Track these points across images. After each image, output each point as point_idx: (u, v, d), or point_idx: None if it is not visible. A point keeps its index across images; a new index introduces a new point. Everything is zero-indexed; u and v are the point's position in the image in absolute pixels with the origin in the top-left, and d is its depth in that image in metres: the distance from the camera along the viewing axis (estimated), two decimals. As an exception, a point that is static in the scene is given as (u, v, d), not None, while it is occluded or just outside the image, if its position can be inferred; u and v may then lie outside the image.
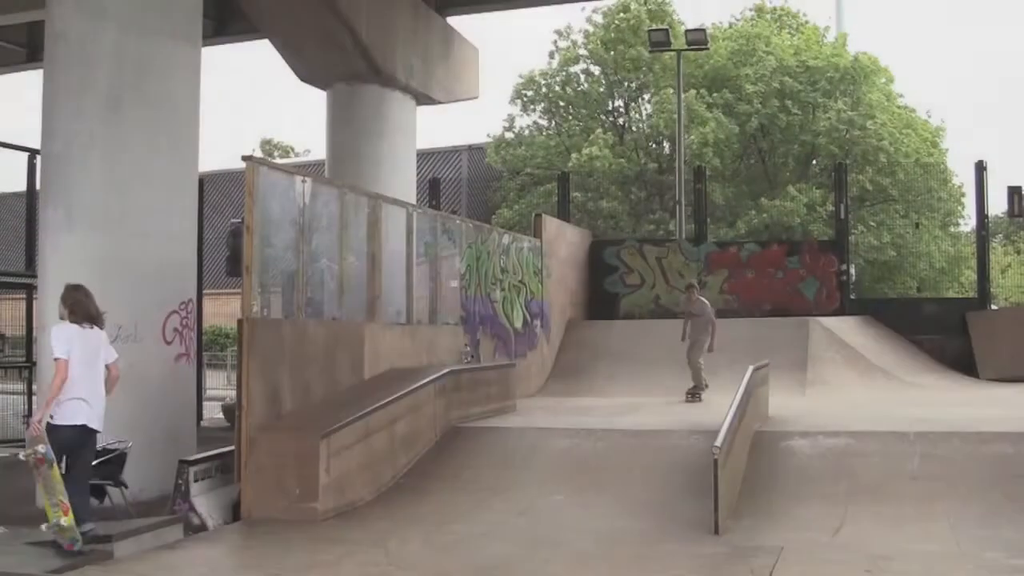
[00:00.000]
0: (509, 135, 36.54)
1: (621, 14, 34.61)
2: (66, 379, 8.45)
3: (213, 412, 21.44)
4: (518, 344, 18.88)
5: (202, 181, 17.10)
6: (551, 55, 36.62)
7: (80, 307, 8.78)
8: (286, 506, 9.75)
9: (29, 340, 17.78)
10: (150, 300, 12.56)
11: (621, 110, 36.34)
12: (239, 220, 11.77)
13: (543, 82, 36.13)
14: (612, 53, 34.58)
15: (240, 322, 10.25)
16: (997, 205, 27.56)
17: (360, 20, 20.48)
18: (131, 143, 12.53)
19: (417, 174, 24.81)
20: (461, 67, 24.97)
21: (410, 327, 14.34)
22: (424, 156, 35.90)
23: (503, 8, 25.96)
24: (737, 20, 37.58)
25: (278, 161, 53.80)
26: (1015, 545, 8.38)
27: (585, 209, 32.11)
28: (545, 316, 20.46)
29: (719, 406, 12.45)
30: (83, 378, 8.58)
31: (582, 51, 35.88)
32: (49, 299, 12.32)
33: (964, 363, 21.41)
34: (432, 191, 24.82)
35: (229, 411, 18.28)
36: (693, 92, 32.94)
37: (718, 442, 9.27)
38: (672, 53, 29.49)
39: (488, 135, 37.34)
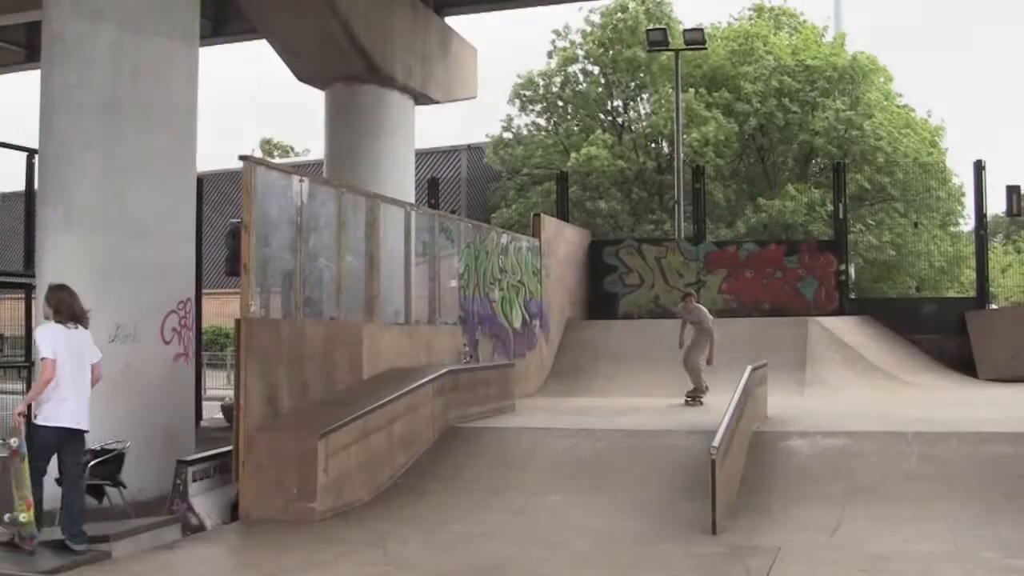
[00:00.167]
0: (507, 135, 36.52)
1: (619, 14, 34.59)
2: (52, 379, 8.44)
3: (213, 412, 21.45)
4: (517, 344, 18.88)
5: (201, 181, 17.11)
6: (549, 55, 36.61)
7: (65, 306, 8.77)
8: (284, 506, 9.76)
9: (28, 340, 17.77)
10: (148, 300, 12.56)
11: (620, 109, 36.32)
12: (238, 220, 11.78)
13: (541, 83, 36.11)
14: (611, 53, 34.57)
15: (238, 322, 10.26)
16: (997, 205, 27.57)
17: (358, 20, 20.48)
18: (129, 143, 12.53)
19: (416, 174, 24.81)
20: (459, 67, 24.96)
21: (408, 327, 14.34)
22: (423, 156, 35.90)
23: (501, 8, 25.95)
24: (735, 20, 37.55)
25: (278, 161, 53.83)
26: (1013, 545, 8.39)
27: (584, 208, 32.09)
28: (544, 316, 20.46)
29: (717, 406, 12.46)
30: (69, 378, 8.57)
31: (580, 51, 35.84)
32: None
33: (963, 363, 21.40)
34: (431, 191, 24.81)
35: (228, 411, 18.28)
36: (692, 91, 32.92)
37: (715, 442, 9.28)
38: (669, 54, 29.49)
39: (487, 135, 37.35)
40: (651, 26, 30.79)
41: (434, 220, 15.92)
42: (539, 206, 29.88)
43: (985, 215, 23.57)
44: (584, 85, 35.84)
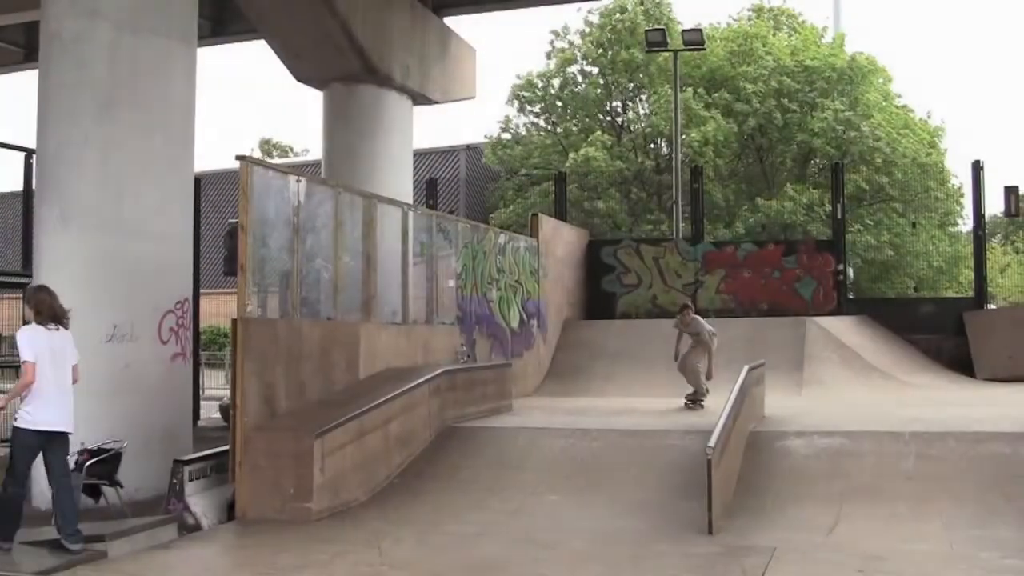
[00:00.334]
0: (506, 136, 36.53)
1: (617, 15, 34.60)
2: (31, 383, 8.42)
3: (211, 412, 21.46)
4: (514, 344, 18.89)
5: (199, 180, 17.11)
6: (548, 55, 36.62)
7: (45, 307, 8.77)
8: (280, 506, 9.76)
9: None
10: (146, 300, 12.55)
11: (619, 110, 36.34)
12: (236, 220, 11.78)
13: (540, 84, 36.12)
14: (609, 54, 34.58)
15: (235, 322, 10.26)
16: (996, 205, 27.57)
17: (356, 20, 20.47)
18: (126, 143, 12.51)
19: (415, 174, 24.79)
20: (458, 67, 24.95)
21: (406, 327, 14.34)
22: (422, 156, 35.90)
23: (500, 8, 25.91)
24: (734, 20, 37.58)
25: (277, 161, 53.83)
26: (1009, 545, 8.39)
27: (582, 208, 32.11)
28: (542, 316, 20.47)
29: (714, 406, 12.46)
30: (51, 380, 8.56)
31: (578, 53, 35.84)
32: (44, 299, 12.32)
33: (961, 363, 21.44)
34: (429, 191, 24.82)
35: (226, 411, 18.26)
36: (690, 91, 32.94)
37: (711, 442, 9.28)
38: (667, 55, 29.50)
39: (485, 136, 37.36)
40: (650, 27, 30.78)
41: (432, 220, 15.92)
42: (537, 206, 29.91)
43: (983, 215, 23.61)
44: (583, 86, 35.85)
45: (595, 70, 35.68)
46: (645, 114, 35.60)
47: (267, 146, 65.28)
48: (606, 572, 8.01)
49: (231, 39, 24.99)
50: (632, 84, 35.33)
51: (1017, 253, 44.31)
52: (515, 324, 18.96)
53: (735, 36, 35.40)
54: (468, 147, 39.68)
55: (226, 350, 32.51)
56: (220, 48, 25.69)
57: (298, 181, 11.47)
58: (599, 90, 35.58)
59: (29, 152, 17.47)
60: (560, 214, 24.44)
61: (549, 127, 36.39)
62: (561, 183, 25.64)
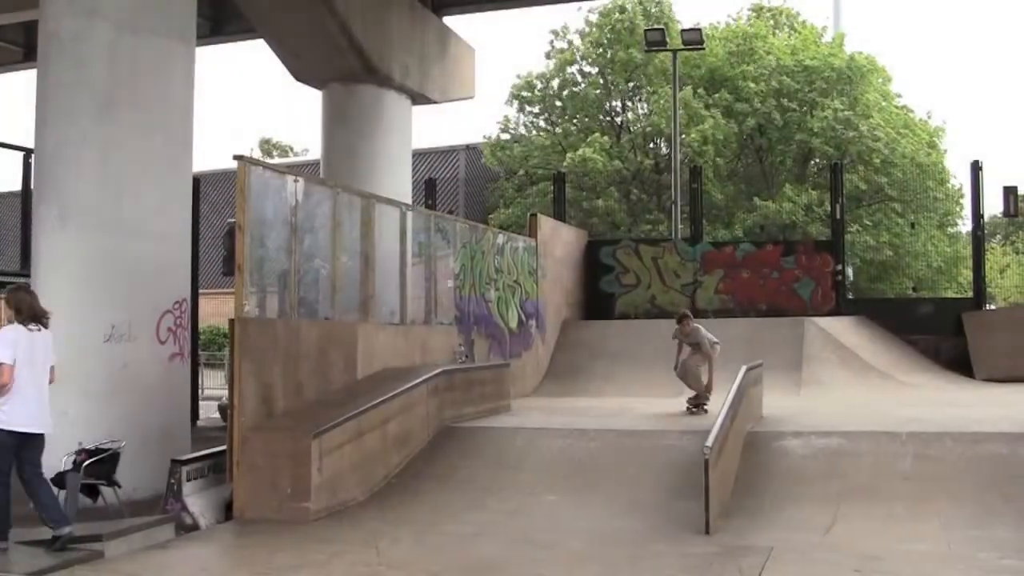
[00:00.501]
0: (505, 136, 36.55)
1: (617, 15, 34.60)
2: (7, 384, 8.40)
3: (210, 412, 21.46)
4: (513, 344, 18.89)
5: (198, 180, 17.12)
6: (547, 55, 36.63)
7: (25, 306, 8.73)
8: (278, 506, 9.76)
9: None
10: (144, 300, 12.54)
11: (618, 109, 36.35)
12: (235, 220, 11.78)
13: (539, 85, 36.12)
14: (608, 54, 34.58)
15: (232, 322, 10.26)
16: (996, 205, 27.59)
17: (355, 20, 20.48)
18: (124, 142, 12.50)
19: (415, 174, 24.79)
20: (457, 67, 24.95)
21: (404, 327, 14.34)
22: (422, 156, 35.89)
23: (499, 8, 25.93)
24: (733, 20, 37.59)
25: (277, 161, 53.84)
26: (1007, 545, 8.40)
27: (581, 208, 32.12)
28: (540, 316, 20.47)
29: (713, 407, 12.45)
30: (28, 381, 8.53)
31: (577, 54, 35.84)
32: (41, 298, 12.28)
33: (959, 363, 21.44)
34: (428, 191, 24.83)
35: (225, 410, 18.26)
36: (690, 90, 32.94)
37: (709, 442, 9.28)
38: (666, 55, 29.50)
39: (483, 136, 37.36)
40: (649, 26, 30.78)
41: (430, 220, 15.92)
42: (536, 206, 29.89)
43: (982, 216, 23.61)
44: (583, 86, 35.84)
45: (594, 70, 35.67)
46: (644, 114, 35.60)
47: (267, 146, 65.31)
48: (603, 572, 8.01)
49: (230, 39, 25.01)
50: (631, 84, 35.33)
51: (1017, 253, 44.33)
52: (513, 324, 18.97)
53: (734, 36, 35.41)
54: (467, 147, 39.69)
55: (225, 350, 32.50)
56: (221, 48, 25.72)
57: (296, 181, 11.46)
58: (598, 90, 35.57)
59: (28, 152, 17.48)
60: (559, 214, 24.45)
61: (548, 127, 36.39)
62: (560, 183, 25.64)
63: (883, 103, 34.47)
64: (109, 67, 12.50)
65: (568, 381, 19.95)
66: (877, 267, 33.16)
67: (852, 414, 13.99)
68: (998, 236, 46.69)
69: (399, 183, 22.22)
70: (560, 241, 22.23)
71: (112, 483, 10.92)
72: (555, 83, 36.17)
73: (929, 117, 36.04)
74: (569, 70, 36.06)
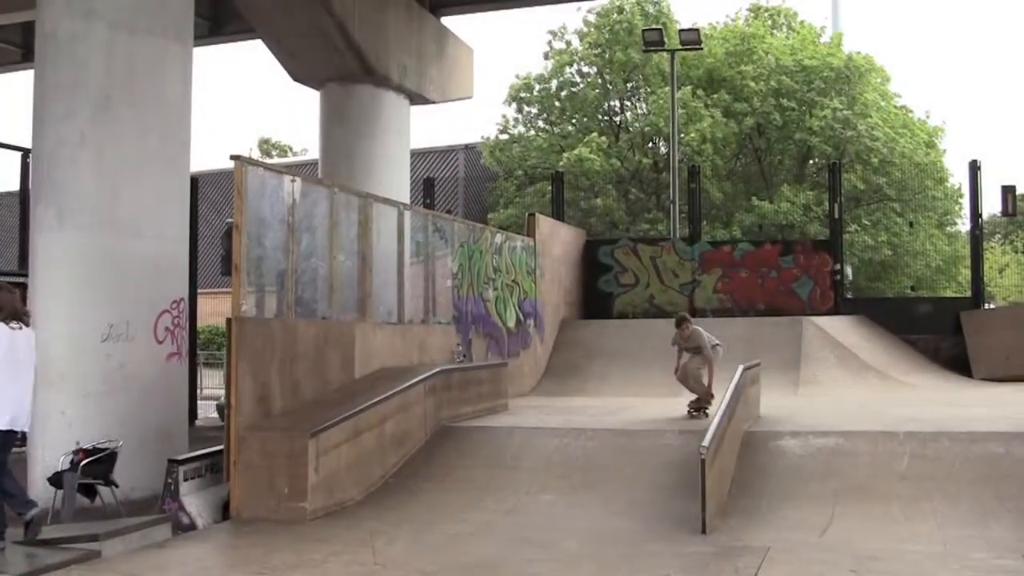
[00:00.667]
0: (504, 136, 36.56)
1: (615, 15, 34.60)
2: None
3: (209, 411, 21.49)
4: (511, 343, 18.89)
5: (197, 180, 17.13)
6: (546, 56, 36.63)
7: (7, 304, 8.74)
8: (275, 505, 9.78)
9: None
10: (141, 299, 12.57)
11: (617, 109, 36.35)
12: (233, 220, 11.80)
13: (537, 86, 36.12)
14: (607, 55, 34.58)
15: (229, 321, 10.27)
16: (995, 205, 27.60)
17: (353, 20, 20.50)
18: (122, 142, 12.53)
19: (414, 173, 24.82)
20: (455, 67, 24.98)
21: (401, 326, 14.35)
22: (421, 155, 35.91)
23: (497, 8, 25.98)
24: (731, 20, 37.59)
25: (276, 160, 53.85)
26: (1003, 545, 8.41)
27: (579, 208, 32.12)
28: (538, 315, 20.47)
29: (712, 408, 12.44)
30: (7, 378, 8.53)
31: (576, 56, 35.83)
32: (39, 298, 12.36)
33: (958, 363, 21.44)
34: (426, 191, 24.84)
35: (223, 410, 18.27)
36: (689, 89, 32.94)
37: (705, 442, 9.29)
38: (665, 56, 29.51)
39: (482, 137, 37.37)
40: (647, 27, 30.77)
41: (427, 220, 15.92)
42: (534, 206, 29.89)
43: (980, 215, 23.58)
44: (582, 85, 35.83)
45: (593, 70, 35.67)
46: (643, 113, 35.60)
47: (266, 145, 65.28)
48: (600, 572, 8.00)
49: (228, 39, 25.05)
50: (629, 84, 35.34)
51: (1016, 253, 44.28)
52: (511, 324, 18.97)
53: (733, 36, 35.40)
54: (466, 147, 39.70)
55: (224, 350, 32.46)
56: (221, 48, 25.74)
57: (293, 181, 11.47)
58: (596, 91, 35.57)
59: (26, 152, 17.49)
60: (557, 214, 24.45)
61: (547, 127, 36.37)
62: (558, 182, 25.65)
63: (882, 103, 34.45)
64: (106, 67, 12.54)
65: (566, 380, 19.95)
66: (876, 267, 33.14)
67: (850, 413, 13.99)
68: (998, 235, 46.65)
69: (397, 183, 22.26)
70: (558, 240, 22.24)
71: (109, 483, 10.95)
72: (553, 83, 36.16)
73: (928, 117, 36.06)
74: (568, 70, 36.05)
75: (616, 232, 31.70)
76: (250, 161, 11.00)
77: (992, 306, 29.84)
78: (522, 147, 35.60)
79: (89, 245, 12.33)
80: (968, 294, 23.92)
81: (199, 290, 21.18)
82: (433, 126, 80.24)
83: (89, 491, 10.95)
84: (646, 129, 34.67)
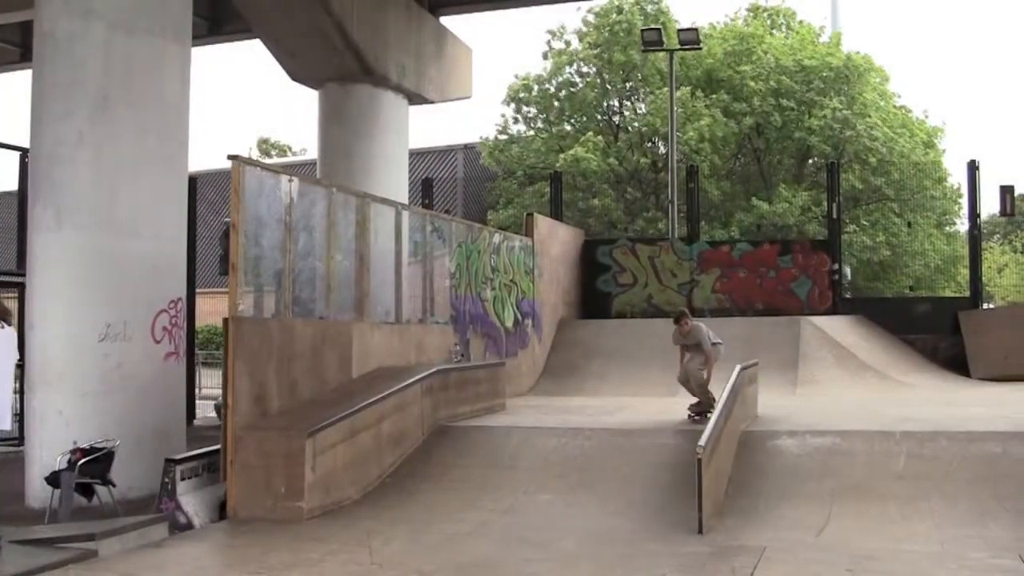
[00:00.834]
0: (503, 137, 36.55)
1: (614, 15, 34.60)
2: None
3: (208, 411, 21.49)
4: (509, 343, 18.89)
5: (195, 180, 17.12)
6: (545, 56, 36.63)
7: None
8: (272, 505, 9.77)
9: (21, 339, 17.77)
10: (139, 299, 12.57)
11: (616, 108, 36.35)
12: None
13: (536, 87, 36.12)
14: (606, 55, 34.58)
15: (226, 321, 10.27)
16: (994, 205, 27.58)
17: (352, 20, 20.50)
18: (120, 142, 12.53)
19: (413, 173, 24.80)
20: (454, 67, 24.97)
21: (399, 326, 14.35)
22: (420, 155, 35.87)
23: (496, 8, 25.97)
24: (730, 20, 37.59)
25: (275, 160, 53.83)
26: (1000, 544, 8.41)
27: (577, 208, 32.12)
28: (537, 315, 20.47)
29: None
30: None
31: (576, 56, 35.83)
32: (37, 298, 12.36)
33: (956, 362, 21.44)
34: (425, 191, 24.84)
35: (221, 410, 18.27)
36: (687, 89, 32.93)
37: (702, 442, 9.29)
38: (664, 57, 29.52)
39: (481, 137, 37.38)
40: (646, 27, 30.76)
41: (425, 220, 15.92)
42: (533, 206, 29.89)
43: (979, 215, 23.58)
44: (581, 84, 35.82)
45: (592, 70, 35.66)
46: (642, 113, 35.60)
47: (265, 145, 65.27)
48: (597, 571, 8.01)
49: (227, 38, 25.03)
50: (629, 84, 35.34)
51: (1015, 252, 44.30)
52: (510, 323, 18.97)
53: (732, 35, 35.39)
54: (466, 147, 39.70)
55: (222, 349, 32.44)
56: (220, 48, 25.74)
57: (290, 181, 11.47)
58: (595, 91, 35.56)
59: (25, 152, 17.47)
60: (555, 214, 24.45)
61: (546, 128, 36.35)
62: (557, 182, 25.65)
63: (881, 103, 34.46)
64: (104, 67, 12.53)
65: (564, 380, 19.96)
66: (875, 267, 33.14)
67: (847, 413, 14.00)
68: (997, 235, 46.68)
69: (396, 183, 22.25)
70: (557, 240, 22.24)
71: (107, 482, 10.96)
72: (553, 84, 36.14)
73: (926, 116, 36.05)
74: (567, 70, 36.04)
75: (614, 232, 31.71)
76: (247, 161, 11.00)
77: (991, 306, 29.87)
78: (521, 147, 35.60)
79: (87, 245, 12.32)
80: (966, 294, 23.93)
81: (198, 290, 21.20)
82: (432, 126, 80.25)
83: (86, 490, 10.95)
84: (643, 129, 34.66)
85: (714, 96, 33.52)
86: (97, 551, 8.49)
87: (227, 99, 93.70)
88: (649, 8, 34.94)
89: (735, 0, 48.32)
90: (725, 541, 8.71)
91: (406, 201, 21.80)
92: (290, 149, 64.12)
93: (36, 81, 12.87)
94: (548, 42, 36.70)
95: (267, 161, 49.34)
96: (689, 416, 13.21)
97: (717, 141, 32.65)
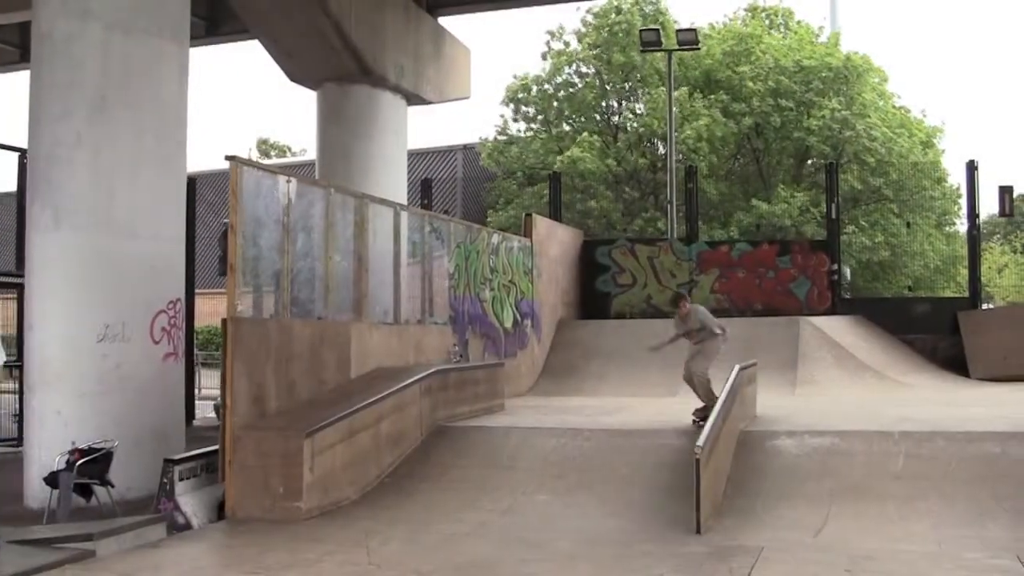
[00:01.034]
0: (502, 138, 36.55)
1: (614, 15, 34.59)
2: None
3: (207, 411, 21.49)
4: (508, 344, 18.90)
5: (194, 181, 17.13)
6: (544, 56, 36.62)
7: None
8: (270, 505, 9.78)
9: (20, 339, 17.79)
10: (137, 299, 12.59)
11: (615, 108, 36.34)
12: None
13: (535, 87, 36.12)
14: (605, 56, 34.58)
15: (224, 321, 10.28)
16: (993, 205, 27.59)
17: (350, 20, 20.51)
18: (118, 143, 12.54)
19: (412, 174, 24.81)
20: (452, 67, 24.98)
21: (397, 327, 14.35)
22: (419, 156, 35.86)
23: (495, 8, 25.98)
24: (729, 20, 37.58)
25: (275, 161, 53.83)
26: (997, 545, 8.41)
27: (575, 209, 32.12)
28: (536, 316, 20.47)
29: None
30: None
31: (576, 56, 35.82)
32: (35, 298, 12.37)
33: (956, 363, 21.45)
34: (424, 191, 24.84)
35: (220, 410, 18.28)
36: (685, 90, 32.92)
37: (700, 442, 9.29)
38: (662, 57, 29.53)
39: (480, 138, 37.37)
40: (645, 27, 30.75)
41: (424, 220, 15.92)
42: (533, 207, 29.88)
43: (978, 215, 23.58)
44: (580, 86, 35.82)
45: (591, 71, 35.65)
46: (640, 114, 35.60)
47: (265, 146, 65.28)
48: (594, 572, 8.01)
49: (226, 39, 25.05)
50: (628, 84, 35.34)
51: (1015, 253, 44.29)
52: (508, 324, 18.98)
53: (730, 36, 35.38)
54: (465, 147, 39.70)
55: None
56: (219, 48, 25.75)
57: (288, 181, 11.47)
58: (595, 91, 35.55)
59: (23, 152, 17.47)
60: (554, 214, 24.45)
61: (545, 128, 36.33)
62: (556, 183, 25.65)
63: (880, 103, 34.45)
64: (102, 68, 12.54)
65: (563, 380, 19.97)
66: (874, 267, 33.12)
67: (846, 413, 14.00)
68: (997, 236, 46.67)
69: (394, 183, 22.26)
70: (556, 241, 22.24)
71: (105, 482, 10.96)
72: (552, 84, 36.13)
73: (924, 116, 36.04)
74: (566, 71, 36.03)
75: (613, 232, 31.71)
76: (245, 161, 11.01)
77: (990, 306, 29.89)
78: (520, 148, 35.60)
79: (85, 245, 12.34)
80: (966, 294, 23.94)
81: (198, 291, 21.22)
82: (431, 126, 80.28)
83: (85, 491, 10.96)
84: (640, 130, 34.65)
85: (712, 96, 33.52)
86: (95, 551, 8.50)
87: (226, 100, 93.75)
88: (648, 8, 34.93)
89: (734, 0, 48.30)
90: (723, 541, 8.71)
91: (405, 202, 21.82)
92: (289, 150, 64.16)
93: (34, 82, 12.88)
94: (547, 42, 36.71)
95: (267, 162, 49.40)
96: (694, 422, 12.45)
97: (716, 141, 32.64)
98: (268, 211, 11.16)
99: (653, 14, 34.59)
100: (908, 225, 31.36)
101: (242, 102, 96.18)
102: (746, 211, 32.16)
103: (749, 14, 37.22)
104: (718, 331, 12.78)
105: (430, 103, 24.47)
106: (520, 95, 36.13)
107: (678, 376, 16.65)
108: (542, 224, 21.56)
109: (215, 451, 10.47)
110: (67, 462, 10.82)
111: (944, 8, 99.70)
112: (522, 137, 36.33)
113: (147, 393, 12.56)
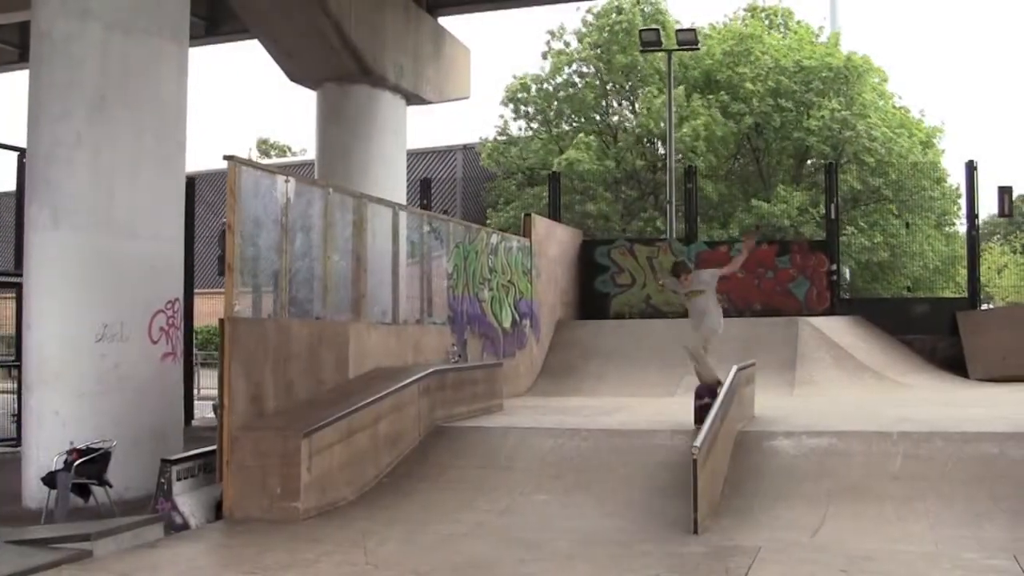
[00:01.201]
0: (502, 138, 36.55)
1: (614, 15, 34.60)
2: None
3: (206, 411, 21.47)
4: (507, 344, 18.89)
5: (194, 180, 17.13)
6: (544, 56, 36.63)
7: None
8: (268, 505, 9.77)
9: (19, 339, 17.81)
10: (136, 299, 12.59)
11: (615, 108, 36.34)
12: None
13: (535, 87, 36.12)
14: (605, 56, 34.58)
15: (222, 321, 10.29)
16: (993, 205, 27.59)
17: (350, 20, 20.52)
18: (117, 142, 12.55)
19: (412, 174, 24.81)
20: (452, 67, 24.98)
21: (396, 326, 14.34)
22: (418, 156, 35.87)
23: (494, 8, 25.99)
24: (728, 20, 37.58)
25: (274, 160, 53.83)
26: (994, 545, 8.40)
27: (574, 211, 32.12)
28: (534, 316, 20.47)
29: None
30: None
31: (576, 56, 35.83)
32: (34, 298, 12.37)
33: (955, 363, 21.43)
34: (423, 191, 24.84)
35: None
36: (682, 90, 32.91)
37: (697, 442, 9.28)
38: (662, 57, 29.54)
39: (480, 138, 37.37)
40: (645, 27, 30.75)
41: (423, 220, 15.92)
42: (532, 207, 29.89)
43: (977, 216, 23.57)
44: (580, 84, 35.82)
45: (591, 71, 35.66)
46: (641, 114, 35.60)
47: (264, 146, 65.33)
48: (592, 572, 8.01)
49: (226, 39, 25.05)
50: (628, 84, 35.34)
51: (1015, 253, 44.28)
52: (507, 324, 18.98)
53: (730, 36, 35.38)
54: (465, 147, 39.71)
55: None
56: (219, 48, 25.76)
57: (287, 181, 11.47)
58: (595, 91, 35.56)
59: (23, 152, 17.47)
60: (554, 214, 24.45)
61: (544, 128, 36.34)
62: (555, 183, 25.64)
63: (880, 103, 34.44)
64: (101, 67, 12.55)
65: (562, 380, 19.96)
66: (874, 268, 33.11)
67: (845, 414, 13.99)
68: (997, 236, 46.66)
69: (394, 183, 22.26)
70: (555, 241, 22.24)
71: (103, 483, 10.96)
72: (552, 84, 36.14)
73: (924, 116, 36.03)
74: (566, 71, 36.04)
75: (612, 232, 31.71)
76: (243, 161, 11.00)
77: (989, 306, 29.87)
78: (520, 148, 35.60)
79: (84, 245, 12.34)
80: (965, 294, 23.93)
81: (197, 291, 21.21)
82: (431, 126, 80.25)
83: (83, 491, 10.96)
84: (637, 131, 34.65)
85: (711, 96, 33.51)
86: (92, 551, 8.49)
87: (225, 99, 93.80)
88: (648, 8, 34.93)
89: (734, 0, 48.31)
90: (720, 541, 8.70)
91: (404, 201, 21.82)
92: (289, 149, 64.20)
93: (33, 81, 12.89)
94: (547, 42, 36.73)
95: (266, 161, 49.42)
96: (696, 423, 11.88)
97: (715, 140, 32.64)
98: (266, 211, 11.16)
99: (653, 14, 34.59)
100: (907, 225, 31.34)
101: (242, 102, 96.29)
102: (746, 211, 32.15)
103: (749, 14, 37.20)
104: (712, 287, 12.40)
105: (430, 103, 24.47)
106: (520, 95, 36.14)
107: (677, 376, 16.73)
108: (541, 224, 21.56)
109: (213, 451, 10.48)
110: (65, 462, 10.82)
111: (944, 8, 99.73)
112: (522, 137, 36.32)
113: (146, 393, 12.56)
